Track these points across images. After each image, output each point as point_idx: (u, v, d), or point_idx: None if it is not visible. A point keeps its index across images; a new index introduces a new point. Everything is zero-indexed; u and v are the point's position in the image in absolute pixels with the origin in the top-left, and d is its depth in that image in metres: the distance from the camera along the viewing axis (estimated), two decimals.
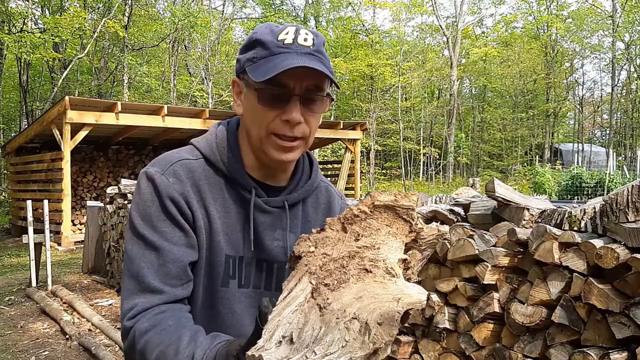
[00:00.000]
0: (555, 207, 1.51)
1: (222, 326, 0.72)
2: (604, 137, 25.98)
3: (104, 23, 12.55)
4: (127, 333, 0.66)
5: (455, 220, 1.73)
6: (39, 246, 4.51)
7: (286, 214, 0.76)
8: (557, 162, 16.74)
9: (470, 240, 1.59)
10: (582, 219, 1.38)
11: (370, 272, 0.50)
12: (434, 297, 1.71)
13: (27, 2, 13.49)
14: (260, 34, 0.69)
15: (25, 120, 14.19)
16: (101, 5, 14.23)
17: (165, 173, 0.70)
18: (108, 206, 4.64)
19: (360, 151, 13.44)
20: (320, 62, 0.67)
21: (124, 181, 4.61)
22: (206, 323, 0.70)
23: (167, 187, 0.69)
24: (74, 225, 7.99)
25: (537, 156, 19.63)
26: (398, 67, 19.42)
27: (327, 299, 0.47)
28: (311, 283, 0.48)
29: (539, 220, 1.51)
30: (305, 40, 0.68)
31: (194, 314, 0.71)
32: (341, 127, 10.06)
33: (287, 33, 0.68)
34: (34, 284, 4.45)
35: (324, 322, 0.44)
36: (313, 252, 0.51)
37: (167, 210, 0.69)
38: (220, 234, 0.72)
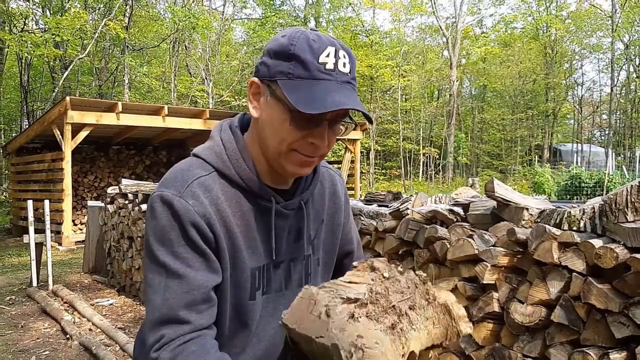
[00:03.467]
0: (554, 207, 1.52)
1: (249, 333, 0.73)
2: (603, 137, 25.98)
3: (105, 24, 12.56)
4: None
5: (455, 220, 1.74)
6: (39, 246, 4.51)
7: (303, 213, 0.76)
8: (561, 162, 16.74)
9: (469, 240, 1.59)
10: (581, 219, 1.39)
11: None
12: None
13: (27, 3, 13.50)
14: (299, 48, 0.65)
15: (26, 120, 14.20)
16: (102, 5, 14.25)
17: (183, 195, 0.67)
18: (109, 206, 4.64)
19: (360, 151, 13.46)
20: (357, 95, 0.68)
21: (124, 181, 4.61)
22: (234, 332, 0.72)
23: (188, 212, 0.66)
24: (75, 225, 8.00)
25: (536, 156, 19.63)
26: (398, 67, 19.43)
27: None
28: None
29: (538, 220, 1.51)
30: (344, 65, 0.66)
31: (223, 327, 0.71)
32: None
33: (327, 55, 0.65)
34: (34, 283, 4.46)
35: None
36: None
37: (188, 236, 0.66)
38: (244, 250, 0.71)
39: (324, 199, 0.82)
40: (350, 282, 0.57)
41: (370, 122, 0.68)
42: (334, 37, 0.69)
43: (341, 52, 0.67)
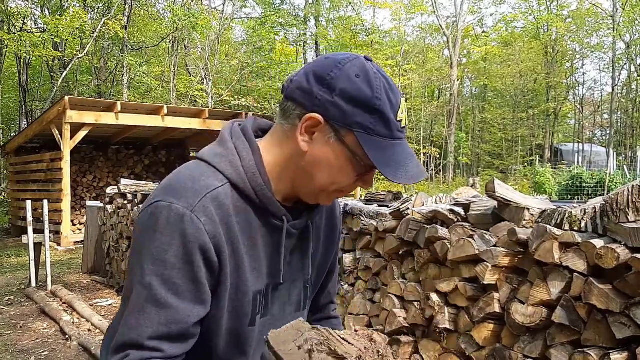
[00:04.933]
0: (555, 207, 1.51)
1: (244, 357, 0.70)
2: (604, 137, 25.98)
3: (104, 23, 12.55)
4: None
5: (456, 220, 1.73)
6: (38, 246, 4.51)
7: (310, 234, 0.73)
8: (562, 162, 16.74)
9: (470, 240, 1.59)
10: (582, 219, 1.38)
11: None
12: (434, 297, 1.71)
13: (26, 2, 13.49)
14: (384, 103, 0.62)
15: (25, 120, 14.19)
16: (101, 5, 14.24)
17: (195, 210, 0.60)
18: (108, 206, 4.63)
19: None
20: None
21: (123, 181, 4.60)
22: (227, 355, 0.68)
23: (198, 232, 0.60)
24: (74, 225, 7.99)
25: (537, 156, 19.63)
26: (398, 67, 19.43)
27: None
28: None
29: (539, 220, 1.50)
30: (404, 120, 0.66)
31: (215, 356, 0.68)
32: None
33: (402, 112, 0.64)
34: (33, 284, 4.45)
35: None
36: None
37: (189, 260, 0.60)
38: (248, 272, 0.66)
39: (322, 216, 0.79)
40: (344, 340, 0.55)
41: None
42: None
43: (404, 103, 0.66)
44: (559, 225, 1.42)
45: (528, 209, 1.53)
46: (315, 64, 0.66)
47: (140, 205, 3.97)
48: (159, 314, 0.60)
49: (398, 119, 0.64)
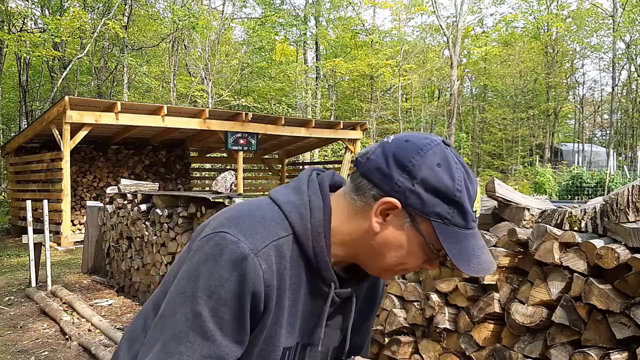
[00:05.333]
0: (555, 207, 1.51)
1: None
2: (604, 137, 25.98)
3: (104, 23, 12.56)
4: None
5: None
6: (38, 246, 4.51)
7: (352, 305, 0.73)
8: (562, 162, 16.75)
9: None
10: (582, 219, 1.38)
11: None
12: (434, 297, 1.71)
13: (26, 2, 13.49)
14: (464, 196, 0.62)
15: (25, 120, 14.18)
16: (101, 5, 14.24)
17: (259, 255, 0.60)
18: (108, 206, 4.64)
19: None
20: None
21: (123, 181, 4.60)
22: None
23: (256, 278, 0.60)
24: (74, 225, 7.99)
25: (537, 156, 19.63)
26: (398, 67, 19.44)
27: None
28: None
29: (539, 220, 1.50)
30: (479, 210, 0.66)
31: None
32: (341, 127, 10.06)
33: (478, 200, 0.65)
34: (33, 284, 4.45)
35: None
36: None
37: (241, 301, 0.60)
38: (283, 327, 0.66)
39: (363, 289, 0.78)
40: None
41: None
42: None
43: (479, 192, 0.67)
44: (559, 225, 1.42)
45: (528, 209, 1.53)
46: (395, 145, 0.65)
47: (140, 206, 3.97)
48: (202, 345, 0.60)
49: (473, 209, 0.64)
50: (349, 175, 0.69)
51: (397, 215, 0.63)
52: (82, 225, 7.78)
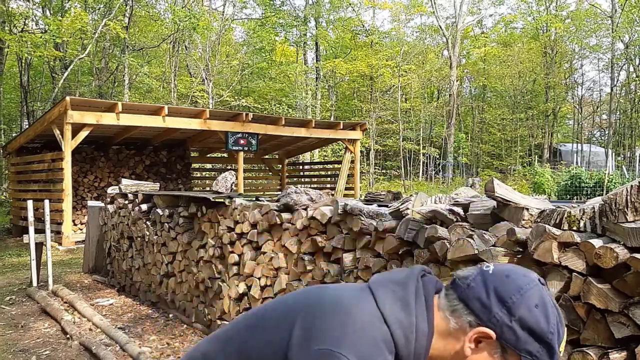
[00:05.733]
0: (554, 207, 1.52)
1: None
2: (603, 137, 25.98)
3: (105, 24, 12.57)
4: None
5: (455, 220, 1.74)
6: (39, 246, 4.52)
7: None
8: (561, 162, 16.75)
9: (469, 240, 1.60)
10: (581, 218, 1.39)
11: None
12: None
13: (28, 3, 13.50)
14: (555, 339, 0.67)
15: (26, 120, 14.19)
16: (102, 5, 14.25)
17: None
18: (109, 206, 4.65)
19: (360, 151, 13.46)
20: None
21: (124, 181, 4.62)
22: None
23: None
24: (75, 225, 8.00)
25: (536, 156, 19.64)
26: (398, 67, 19.44)
27: None
28: None
29: (538, 220, 1.51)
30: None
31: None
32: (341, 127, 10.07)
33: (564, 342, 0.70)
34: (34, 283, 4.46)
35: None
36: None
37: None
38: None
39: None
40: None
41: None
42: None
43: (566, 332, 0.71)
44: (558, 225, 1.43)
45: (527, 209, 1.54)
46: (496, 279, 0.68)
47: (141, 205, 3.98)
48: None
49: (560, 350, 0.68)
50: (445, 292, 0.72)
51: (490, 345, 0.67)
52: (83, 225, 7.79)
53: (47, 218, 4.40)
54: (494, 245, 1.56)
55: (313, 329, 0.66)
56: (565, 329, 0.71)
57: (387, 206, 2.21)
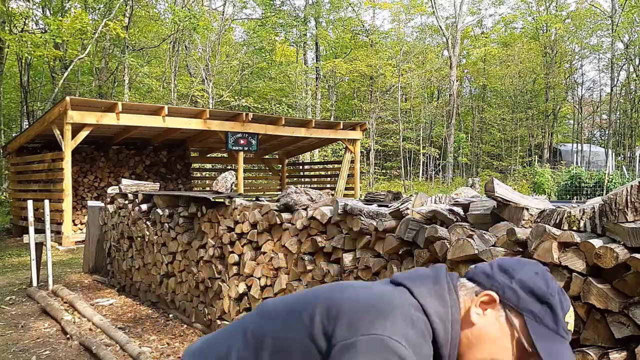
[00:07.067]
0: (554, 207, 1.52)
1: None
2: (603, 137, 25.97)
3: (105, 24, 12.56)
4: None
5: (455, 220, 1.74)
6: (39, 246, 4.51)
7: None
8: (561, 162, 16.75)
9: (469, 240, 1.60)
10: (581, 218, 1.39)
11: None
12: None
13: (28, 3, 13.50)
14: (556, 301, 0.70)
15: (26, 120, 14.20)
16: (102, 5, 14.25)
17: None
18: (109, 206, 4.65)
19: (360, 151, 13.46)
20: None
21: (124, 181, 4.62)
22: None
23: None
24: (75, 225, 8.00)
25: (536, 156, 19.64)
26: (398, 67, 19.44)
27: None
28: None
29: (538, 220, 1.51)
30: (571, 329, 0.72)
31: None
32: (341, 127, 10.07)
33: (570, 316, 0.72)
34: (34, 283, 4.46)
35: None
36: None
37: None
38: None
39: None
40: None
41: None
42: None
43: (573, 315, 0.74)
44: (558, 225, 1.43)
45: (527, 209, 1.54)
46: (500, 260, 0.76)
47: (141, 205, 3.98)
48: None
49: (565, 320, 0.71)
50: (458, 282, 0.76)
51: (494, 310, 0.71)
52: (83, 225, 7.79)
53: (47, 218, 4.40)
54: (494, 245, 1.56)
55: (357, 318, 0.67)
56: (572, 308, 0.72)
57: (387, 206, 2.21)
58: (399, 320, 0.66)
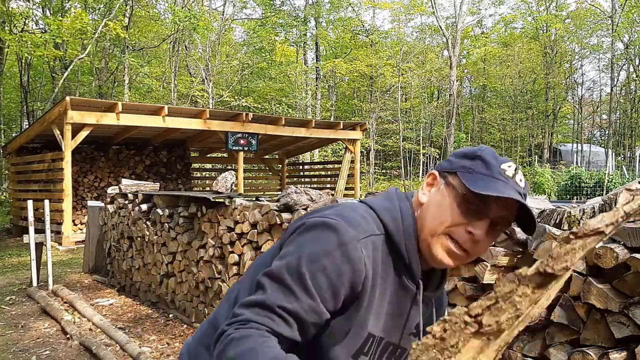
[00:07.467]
0: (554, 207, 1.52)
1: None
2: (603, 137, 25.97)
3: (105, 24, 12.56)
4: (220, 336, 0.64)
5: None
6: (39, 246, 4.51)
7: (432, 312, 0.80)
8: (561, 162, 16.74)
9: None
10: (581, 218, 1.39)
11: None
12: None
13: (28, 3, 13.50)
14: (485, 154, 0.73)
15: (26, 120, 14.20)
16: (102, 5, 14.25)
17: (361, 242, 0.68)
18: (109, 206, 4.65)
19: (360, 151, 13.45)
20: (528, 207, 0.72)
21: (124, 181, 4.61)
22: None
23: (358, 259, 0.67)
24: (75, 225, 7.99)
25: (536, 156, 19.63)
26: (398, 67, 19.43)
27: None
28: None
29: (538, 220, 1.51)
30: (521, 180, 0.73)
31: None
32: (341, 127, 10.07)
33: (509, 166, 0.73)
34: (34, 283, 4.46)
35: None
36: None
37: (339, 274, 0.67)
38: (372, 314, 0.72)
39: (437, 295, 0.84)
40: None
41: (531, 231, 0.73)
42: None
43: (520, 173, 0.74)
44: (558, 225, 1.43)
45: None
46: None
47: (141, 205, 3.98)
48: (304, 298, 0.65)
49: (501, 167, 0.72)
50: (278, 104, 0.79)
51: (437, 184, 0.75)
52: (83, 225, 7.79)
53: (47, 218, 4.40)
54: (494, 245, 1.56)
55: (308, 217, 0.74)
56: (511, 164, 0.74)
57: None
58: (341, 209, 0.73)
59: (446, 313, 0.93)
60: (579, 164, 15.36)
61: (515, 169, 0.73)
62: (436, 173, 0.76)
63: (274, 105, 18.72)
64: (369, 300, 0.70)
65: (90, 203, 5.35)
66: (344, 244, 0.67)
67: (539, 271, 0.49)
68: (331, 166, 12.42)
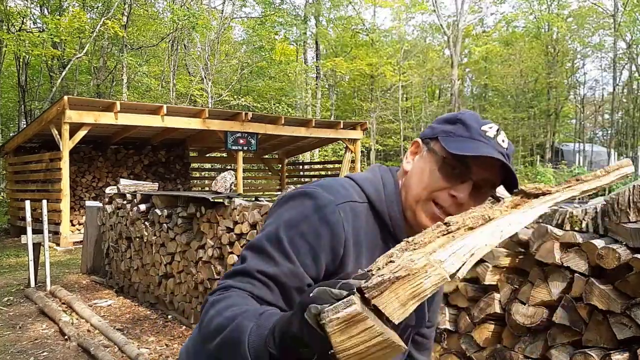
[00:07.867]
0: (556, 208, 1.50)
1: None
2: (605, 137, 25.96)
3: (103, 23, 12.54)
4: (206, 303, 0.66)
5: None
6: (37, 246, 4.50)
7: None
8: (563, 162, 16.73)
9: None
10: (583, 219, 1.37)
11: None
12: None
13: (25, 1, 13.48)
14: (466, 117, 0.74)
15: (24, 120, 14.18)
16: (100, 4, 14.22)
17: (339, 206, 0.69)
18: (107, 206, 4.63)
19: (361, 151, 13.44)
20: (509, 165, 0.72)
21: (122, 181, 4.60)
22: None
23: (337, 222, 0.68)
24: (73, 225, 7.98)
25: (538, 156, 19.63)
26: (398, 66, 19.42)
27: None
28: None
29: (540, 220, 1.49)
30: (503, 141, 0.74)
31: None
32: (341, 126, 10.05)
33: (490, 127, 0.74)
34: (32, 284, 4.44)
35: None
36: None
37: (317, 237, 0.67)
38: None
39: None
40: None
41: (514, 189, 0.74)
42: None
43: (502, 134, 0.75)
44: (560, 226, 1.41)
45: None
46: None
47: (140, 206, 3.97)
48: (283, 262, 0.66)
49: (482, 129, 0.72)
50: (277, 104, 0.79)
51: (420, 151, 0.76)
52: (81, 226, 7.77)
53: (45, 218, 4.38)
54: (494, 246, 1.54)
55: (289, 192, 0.75)
56: (494, 126, 0.74)
57: None
58: (321, 181, 0.75)
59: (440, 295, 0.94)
60: (581, 164, 15.35)
61: (498, 130, 0.73)
62: (419, 141, 0.77)
63: (274, 104, 18.70)
64: (354, 268, 0.70)
65: (88, 203, 5.34)
66: (320, 208, 0.67)
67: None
68: (331, 166, 12.41)
